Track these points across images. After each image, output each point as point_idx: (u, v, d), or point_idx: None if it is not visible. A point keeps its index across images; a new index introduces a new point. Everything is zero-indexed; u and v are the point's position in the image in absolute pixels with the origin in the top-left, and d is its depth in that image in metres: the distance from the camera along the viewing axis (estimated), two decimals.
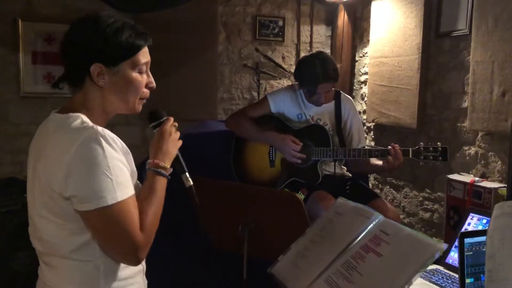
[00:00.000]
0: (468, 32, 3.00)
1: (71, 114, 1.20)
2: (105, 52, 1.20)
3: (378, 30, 3.83)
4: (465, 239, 1.19)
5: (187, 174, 1.37)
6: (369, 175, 3.54)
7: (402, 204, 3.70)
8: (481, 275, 1.19)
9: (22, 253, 2.81)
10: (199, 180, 1.96)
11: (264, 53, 4.07)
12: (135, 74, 1.25)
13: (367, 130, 4.04)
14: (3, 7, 3.43)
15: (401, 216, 3.69)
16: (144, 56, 1.27)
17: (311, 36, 4.27)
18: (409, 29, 3.47)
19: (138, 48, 1.24)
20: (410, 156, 2.30)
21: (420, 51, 3.36)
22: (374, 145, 3.93)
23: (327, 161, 2.56)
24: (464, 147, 3.09)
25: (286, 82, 4.25)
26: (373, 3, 3.88)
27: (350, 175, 2.69)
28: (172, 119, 1.36)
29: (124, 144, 1.22)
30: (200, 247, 2.16)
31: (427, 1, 3.31)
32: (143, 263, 1.32)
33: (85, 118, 1.20)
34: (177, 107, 3.77)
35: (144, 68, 1.28)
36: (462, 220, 1.63)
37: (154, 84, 1.32)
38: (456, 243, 1.60)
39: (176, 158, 1.35)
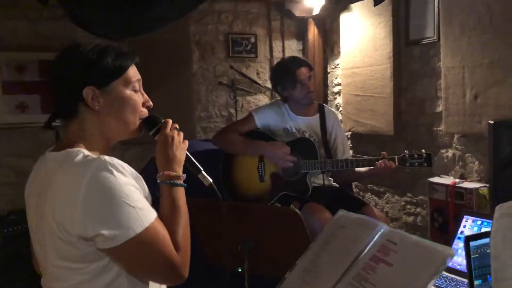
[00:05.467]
0: (436, 39, 3.12)
1: (69, 150, 1.13)
2: (94, 74, 1.16)
3: (348, 42, 3.93)
4: (470, 242, 1.23)
5: (203, 172, 1.30)
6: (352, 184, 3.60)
7: (385, 210, 3.77)
8: (488, 276, 1.23)
9: None
10: (193, 201, 1.95)
11: (238, 70, 4.11)
12: (129, 92, 1.21)
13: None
14: None
15: None
16: (135, 74, 1.23)
17: (283, 51, 4.34)
18: (378, 39, 3.58)
19: (126, 66, 1.20)
20: (396, 164, 2.36)
21: (391, 60, 3.47)
22: (353, 153, 4.00)
23: (316, 173, 2.59)
24: (442, 150, 3.19)
25: (262, 98, 4.30)
26: (341, 16, 3.98)
27: (337, 185, 2.73)
28: (170, 121, 1.28)
29: (132, 169, 1.16)
30: (199, 264, 2.13)
31: (394, 11, 3.43)
32: None
33: (86, 151, 1.13)
34: None
35: (137, 85, 1.23)
36: (457, 223, 1.68)
37: (151, 103, 1.26)
38: (454, 246, 1.65)
39: (187, 160, 1.27)
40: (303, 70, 2.62)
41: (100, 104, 1.17)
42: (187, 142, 1.28)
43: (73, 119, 1.19)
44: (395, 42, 3.45)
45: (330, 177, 2.76)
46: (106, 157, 1.09)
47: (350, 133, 4.02)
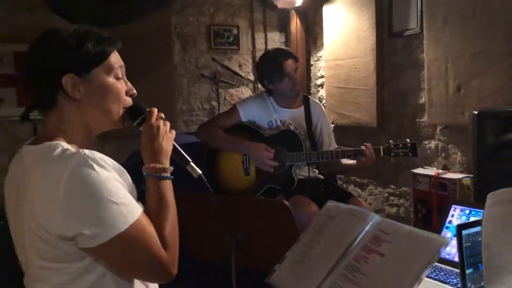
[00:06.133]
0: (419, 31, 3.12)
1: (47, 143, 1.06)
2: (74, 61, 1.09)
3: (331, 34, 3.92)
4: (462, 231, 1.22)
5: (192, 164, 1.23)
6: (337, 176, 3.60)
7: (368, 202, 3.78)
8: (479, 265, 1.22)
9: None
10: (178, 196, 1.91)
11: (220, 62, 4.06)
12: (112, 80, 1.14)
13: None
14: None
15: None
16: (117, 60, 1.16)
17: (265, 43, 4.30)
18: (362, 31, 3.57)
19: (108, 52, 1.13)
20: (382, 154, 2.36)
21: (375, 52, 3.47)
22: (337, 146, 4.00)
23: (301, 165, 2.57)
24: (424, 141, 3.21)
25: (244, 90, 4.25)
26: (324, 7, 3.96)
27: (322, 177, 2.72)
28: (155, 110, 1.21)
29: (115, 163, 1.09)
30: (185, 263, 2.09)
31: (377, 2, 3.42)
32: None
33: (65, 144, 1.06)
34: None
35: (119, 73, 1.16)
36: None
37: (135, 91, 1.20)
38: (442, 235, 1.64)
39: (174, 151, 1.21)
40: (290, 62, 2.58)
41: (81, 93, 1.10)
42: (174, 132, 1.22)
43: (52, 109, 1.12)
44: (378, 34, 3.45)
45: (316, 169, 2.74)
46: (86, 151, 1.03)
47: (333, 125, 4.01)
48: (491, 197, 1.22)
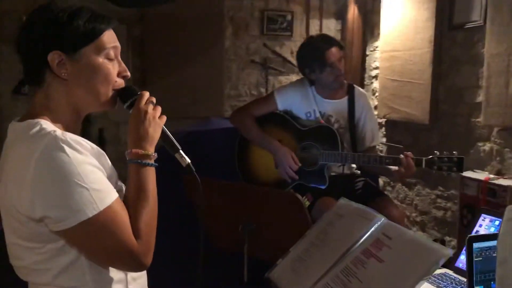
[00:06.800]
0: (482, 24, 2.88)
1: (29, 121, 1.04)
2: (62, 37, 1.05)
3: (388, 24, 3.72)
4: (474, 244, 1.10)
5: (181, 152, 1.18)
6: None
7: (414, 202, 3.60)
8: (492, 283, 1.10)
9: None
10: (205, 181, 1.90)
11: (272, 48, 3.99)
12: (102, 60, 1.09)
13: (378, 126, 3.93)
14: (8, 5, 3.40)
15: (413, 215, 3.59)
16: (110, 40, 1.11)
17: (320, 30, 4.16)
18: (420, 21, 3.36)
19: (100, 31, 1.09)
20: (423, 166, 2.15)
21: (432, 44, 3.24)
22: (386, 141, 3.83)
23: (334, 165, 2.46)
24: (479, 143, 2.98)
25: (295, 78, 4.15)
26: None
27: (359, 172, 2.58)
28: (147, 93, 1.16)
29: (93, 145, 1.05)
30: (200, 247, 2.09)
31: None
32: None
33: (44, 123, 1.03)
34: (183, 104, 3.72)
35: (112, 53, 1.12)
36: (473, 221, 1.54)
37: (128, 73, 1.16)
38: None
39: (164, 137, 1.17)
40: (334, 51, 2.41)
41: (68, 71, 1.07)
42: (164, 118, 1.17)
43: (40, 87, 1.10)
44: (438, 25, 3.21)
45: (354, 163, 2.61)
46: (59, 132, 1.00)
47: (384, 119, 3.84)
48: (510, 210, 1.09)
